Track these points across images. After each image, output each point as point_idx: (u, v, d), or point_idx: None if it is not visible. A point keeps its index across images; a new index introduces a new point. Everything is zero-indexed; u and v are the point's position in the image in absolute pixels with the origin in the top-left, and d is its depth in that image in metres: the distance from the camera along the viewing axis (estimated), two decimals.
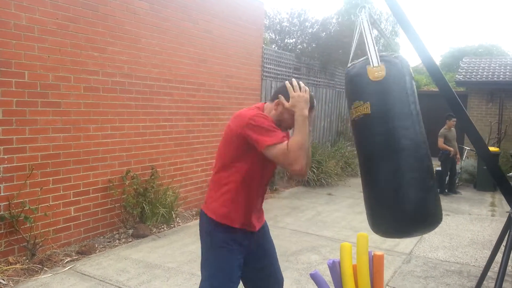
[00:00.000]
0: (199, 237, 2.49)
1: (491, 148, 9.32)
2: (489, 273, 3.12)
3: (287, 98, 2.20)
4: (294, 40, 11.93)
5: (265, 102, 2.42)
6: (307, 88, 2.22)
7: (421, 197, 2.20)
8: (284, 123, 2.26)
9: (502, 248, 2.75)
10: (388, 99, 2.17)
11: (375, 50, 2.19)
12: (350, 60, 2.40)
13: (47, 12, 4.43)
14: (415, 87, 2.29)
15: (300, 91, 2.18)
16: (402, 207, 2.21)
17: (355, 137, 2.35)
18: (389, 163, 2.20)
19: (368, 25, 2.30)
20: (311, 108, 2.22)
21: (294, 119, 2.16)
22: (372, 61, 2.18)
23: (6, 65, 4.11)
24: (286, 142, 2.09)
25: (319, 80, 10.77)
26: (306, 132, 2.11)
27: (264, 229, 2.53)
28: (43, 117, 4.47)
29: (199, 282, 2.40)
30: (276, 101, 2.26)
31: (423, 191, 2.21)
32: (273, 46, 11.30)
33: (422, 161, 2.21)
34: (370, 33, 2.29)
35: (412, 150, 2.19)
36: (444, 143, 8.71)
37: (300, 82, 2.25)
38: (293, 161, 2.06)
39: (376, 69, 2.16)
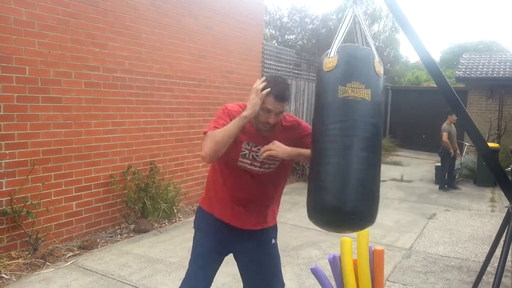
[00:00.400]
0: None
1: (491, 144, 9.33)
2: (488, 268, 3.14)
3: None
4: (294, 36, 11.93)
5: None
6: (258, 88, 2.23)
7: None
8: (259, 117, 2.23)
9: (502, 243, 2.77)
10: (379, 95, 2.15)
11: (337, 44, 2.12)
12: (339, 42, 2.27)
13: (48, 8, 4.43)
14: None
15: (253, 94, 2.22)
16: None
17: (342, 117, 2.06)
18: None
19: (363, 19, 2.27)
20: (276, 98, 2.20)
21: (267, 115, 2.20)
22: (376, 56, 2.15)
23: (7, 61, 4.12)
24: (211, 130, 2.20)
25: None
26: (230, 129, 2.14)
27: (262, 243, 2.50)
28: (44, 112, 4.48)
29: None
30: None
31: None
32: (273, 42, 11.30)
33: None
34: (368, 29, 2.28)
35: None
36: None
37: (259, 82, 2.26)
38: (202, 146, 2.20)
39: (379, 65, 2.15)
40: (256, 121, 2.27)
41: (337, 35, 2.20)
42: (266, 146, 2.20)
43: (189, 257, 2.60)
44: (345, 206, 1.97)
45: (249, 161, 2.30)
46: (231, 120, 2.22)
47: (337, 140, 1.98)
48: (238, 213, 2.40)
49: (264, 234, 2.51)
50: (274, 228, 2.60)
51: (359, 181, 1.97)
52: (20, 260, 4.10)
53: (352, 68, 2.09)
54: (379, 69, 2.12)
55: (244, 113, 2.17)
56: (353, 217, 2.03)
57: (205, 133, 2.23)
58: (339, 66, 2.07)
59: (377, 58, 2.12)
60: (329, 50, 2.11)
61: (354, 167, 1.96)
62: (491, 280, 3.83)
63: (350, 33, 2.26)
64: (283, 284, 2.58)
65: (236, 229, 2.42)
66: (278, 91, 2.20)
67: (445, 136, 8.69)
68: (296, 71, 9.66)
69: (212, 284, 2.50)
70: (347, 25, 2.22)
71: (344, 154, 1.96)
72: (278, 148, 2.19)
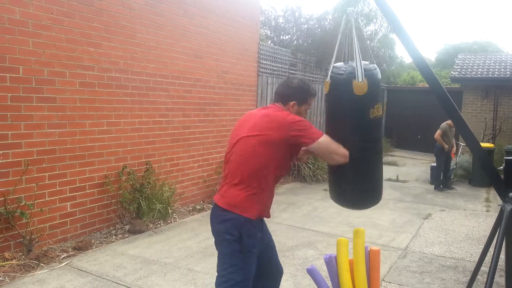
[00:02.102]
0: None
1: (486, 144, 9.37)
2: (482, 268, 3.14)
3: (302, 99, 2.57)
4: (289, 36, 11.94)
5: (274, 104, 2.64)
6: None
7: None
8: (303, 113, 2.63)
9: (495, 242, 2.77)
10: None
11: (361, 66, 2.46)
12: (336, 58, 2.65)
13: (42, 7, 4.40)
14: None
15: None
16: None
17: (373, 134, 2.56)
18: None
19: (354, 34, 2.46)
20: (315, 97, 2.69)
21: (307, 111, 2.66)
22: (357, 77, 2.43)
23: (0, 60, 4.08)
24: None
25: (315, 76, 10.77)
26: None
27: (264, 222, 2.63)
28: (39, 112, 4.44)
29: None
30: (291, 103, 2.56)
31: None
32: (269, 42, 11.29)
33: None
34: (357, 45, 2.44)
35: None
36: (442, 138, 8.72)
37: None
38: (338, 150, 2.46)
39: (361, 85, 2.42)
40: None
41: (355, 54, 2.48)
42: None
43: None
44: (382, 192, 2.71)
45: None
46: None
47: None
48: (269, 206, 2.59)
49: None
50: None
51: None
52: (13, 261, 4.07)
53: (377, 91, 2.53)
54: (359, 89, 2.44)
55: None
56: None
57: (324, 136, 2.44)
58: (369, 90, 2.44)
59: (358, 79, 2.43)
60: (356, 73, 2.44)
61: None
62: (485, 279, 3.84)
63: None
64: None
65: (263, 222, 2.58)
66: (314, 91, 2.68)
67: (437, 133, 8.71)
68: (292, 71, 9.66)
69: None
70: (357, 41, 2.45)
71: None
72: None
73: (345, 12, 2.47)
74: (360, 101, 2.42)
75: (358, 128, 2.47)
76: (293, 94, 2.57)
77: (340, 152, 2.42)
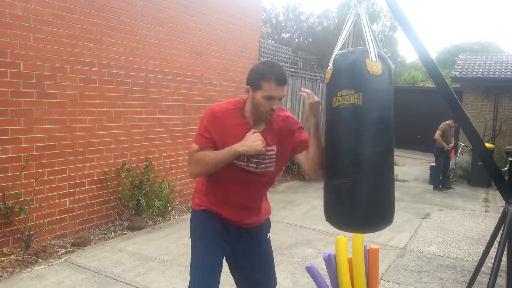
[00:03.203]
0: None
1: (486, 145, 9.35)
2: (482, 268, 3.15)
3: (254, 83, 2.14)
4: (289, 34, 11.93)
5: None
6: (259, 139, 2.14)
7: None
8: (261, 107, 2.15)
9: (496, 244, 2.77)
10: (381, 95, 2.11)
11: (374, 44, 2.16)
12: (338, 47, 2.30)
13: (43, 2, 4.39)
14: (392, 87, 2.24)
15: (258, 137, 2.13)
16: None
17: (338, 124, 2.13)
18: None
19: (366, 18, 2.27)
20: (277, 83, 2.14)
21: (270, 102, 2.13)
22: (371, 55, 2.14)
23: (1, 55, 4.07)
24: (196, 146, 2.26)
25: (315, 74, 10.75)
26: (220, 160, 2.17)
27: (258, 239, 2.51)
28: (39, 108, 4.44)
29: None
30: (246, 88, 2.22)
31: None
32: (270, 40, 11.28)
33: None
34: (369, 26, 2.26)
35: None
36: (442, 138, 8.73)
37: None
38: (189, 163, 2.32)
39: (375, 64, 2.13)
40: (257, 112, 2.18)
41: (338, 40, 2.20)
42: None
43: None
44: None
45: (244, 163, 2.25)
46: (213, 130, 2.23)
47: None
48: (235, 212, 2.36)
49: (259, 229, 2.50)
50: (268, 221, 2.60)
51: None
52: (12, 257, 4.06)
53: (340, 77, 2.11)
54: (374, 68, 2.09)
55: (240, 149, 2.12)
56: None
57: (193, 144, 2.29)
58: (333, 76, 2.11)
59: (372, 57, 2.09)
60: (369, 52, 2.09)
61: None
62: (485, 279, 3.85)
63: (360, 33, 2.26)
64: (275, 282, 2.56)
65: (234, 226, 2.39)
66: (277, 75, 2.12)
67: (437, 134, 8.73)
68: (292, 70, 9.65)
69: None
70: (349, 28, 2.23)
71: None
72: (314, 106, 2.23)
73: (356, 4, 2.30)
74: (326, 88, 2.12)
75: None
76: (248, 77, 2.20)
77: (190, 165, 2.31)
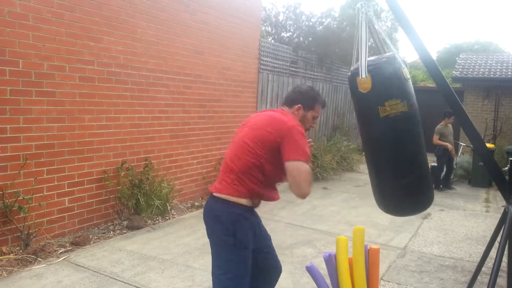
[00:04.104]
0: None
1: (487, 145, 9.33)
2: (483, 268, 3.13)
3: (308, 104, 2.53)
4: (289, 34, 11.91)
5: (282, 108, 2.60)
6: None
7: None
8: (307, 124, 2.56)
9: (496, 244, 2.76)
10: (414, 100, 2.43)
11: (365, 61, 2.22)
12: (364, 57, 2.36)
13: (42, 0, 4.37)
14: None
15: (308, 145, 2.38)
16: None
17: (391, 134, 2.40)
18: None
19: (366, 28, 2.28)
20: (323, 107, 2.65)
21: (313, 121, 2.58)
22: (401, 62, 2.24)
23: (0, 53, 4.06)
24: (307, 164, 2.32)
25: (316, 74, 10.74)
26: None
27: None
28: (38, 106, 4.42)
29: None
30: (296, 106, 2.53)
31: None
32: (270, 39, 11.26)
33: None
34: (366, 40, 2.28)
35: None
36: (440, 139, 8.73)
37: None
38: (302, 182, 2.29)
39: (406, 70, 2.23)
40: (300, 122, 2.51)
41: (361, 49, 2.25)
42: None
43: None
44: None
45: None
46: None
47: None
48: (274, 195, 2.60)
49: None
50: None
51: None
52: (11, 256, 4.05)
53: (386, 87, 2.32)
54: (406, 74, 2.24)
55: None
56: None
57: (306, 162, 2.30)
58: (374, 87, 2.30)
59: (402, 64, 2.20)
60: (359, 69, 2.30)
61: None
62: (485, 280, 3.83)
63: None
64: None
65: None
66: (324, 101, 2.65)
67: (435, 138, 8.73)
68: (292, 69, 9.63)
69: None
70: (366, 34, 2.28)
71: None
72: None
73: (360, 7, 2.32)
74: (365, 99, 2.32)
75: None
76: (300, 98, 2.55)
77: (305, 187, 2.27)
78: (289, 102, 2.58)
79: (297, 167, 2.24)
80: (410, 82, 2.33)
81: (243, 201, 2.35)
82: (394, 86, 2.30)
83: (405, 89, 2.31)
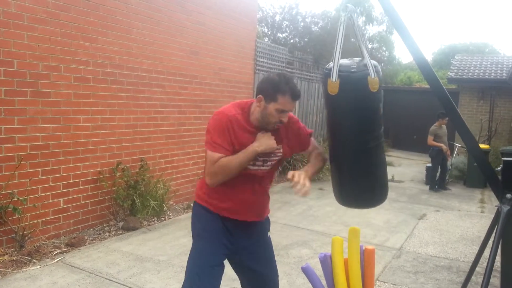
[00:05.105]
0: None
1: (482, 146, 9.38)
2: (477, 268, 3.14)
3: (269, 94, 2.18)
4: (286, 34, 11.93)
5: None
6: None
7: None
8: (271, 118, 2.22)
9: (490, 244, 2.77)
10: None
11: (337, 63, 2.17)
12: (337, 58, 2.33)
13: (38, 0, 4.36)
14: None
15: (270, 136, 2.23)
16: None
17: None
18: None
19: (343, 32, 2.25)
20: (293, 98, 2.21)
21: (280, 114, 2.21)
22: (332, 76, 2.16)
23: None
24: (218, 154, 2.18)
25: (312, 74, 10.75)
26: (242, 163, 2.18)
27: (260, 236, 2.55)
28: (32, 107, 4.40)
29: None
30: (258, 97, 2.23)
31: None
32: (266, 40, 11.27)
33: None
34: (341, 40, 2.23)
35: None
36: (435, 140, 8.77)
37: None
38: (209, 171, 2.23)
39: (334, 84, 2.16)
40: (265, 121, 2.24)
41: (335, 51, 2.21)
42: (299, 187, 2.19)
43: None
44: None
45: (252, 161, 2.28)
46: (230, 135, 2.22)
47: None
48: (238, 209, 2.37)
49: (260, 227, 2.52)
50: (268, 219, 2.62)
51: None
52: (5, 257, 4.02)
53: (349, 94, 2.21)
54: (374, 85, 2.14)
55: (259, 149, 2.19)
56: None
57: (208, 151, 2.24)
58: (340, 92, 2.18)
59: (372, 75, 2.12)
60: (331, 71, 2.16)
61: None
62: (480, 280, 3.84)
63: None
64: (277, 274, 2.63)
65: (234, 224, 2.39)
66: (293, 90, 2.18)
67: (429, 139, 8.78)
68: (288, 69, 9.64)
69: None
70: (342, 37, 2.23)
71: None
72: (307, 181, 2.23)
73: (344, 9, 2.32)
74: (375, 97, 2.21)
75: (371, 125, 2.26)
76: (262, 87, 2.22)
77: (210, 173, 2.22)
78: (256, 92, 2.27)
79: (207, 157, 2.24)
80: (378, 92, 2.22)
81: None
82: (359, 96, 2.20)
83: (369, 100, 2.20)
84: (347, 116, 2.23)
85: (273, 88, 2.16)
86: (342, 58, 2.26)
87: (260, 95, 2.21)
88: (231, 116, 2.27)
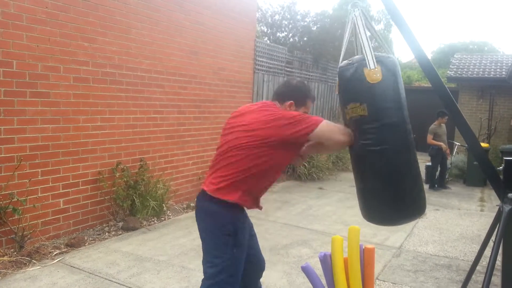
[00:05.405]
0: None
1: (481, 144, 9.37)
2: (477, 267, 3.14)
3: (300, 99, 2.50)
4: (285, 34, 11.92)
5: (271, 101, 2.57)
6: None
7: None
8: None
9: (491, 243, 2.77)
10: (383, 100, 2.21)
11: (371, 52, 2.18)
12: (342, 56, 2.39)
13: (36, 1, 4.35)
14: (402, 84, 2.30)
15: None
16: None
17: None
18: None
19: (363, 24, 2.27)
20: (313, 101, 2.62)
21: None
22: (368, 63, 2.16)
23: None
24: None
25: (311, 74, 10.75)
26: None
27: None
28: (32, 107, 4.40)
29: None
30: (288, 103, 2.49)
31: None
32: (265, 39, 11.27)
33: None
34: (365, 33, 2.25)
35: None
36: (434, 139, 8.77)
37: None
38: (341, 131, 2.37)
39: (373, 71, 2.15)
40: None
41: (363, 43, 2.25)
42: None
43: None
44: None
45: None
46: None
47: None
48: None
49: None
50: None
51: None
52: (5, 258, 4.02)
53: (346, 91, 2.31)
54: (372, 76, 2.13)
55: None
56: None
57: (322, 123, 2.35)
58: (340, 91, 2.34)
59: (369, 65, 2.12)
60: (367, 59, 2.22)
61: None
62: (479, 278, 3.85)
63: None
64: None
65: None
66: (314, 96, 2.64)
67: (429, 138, 8.79)
68: (288, 69, 9.63)
69: None
70: (348, 33, 2.28)
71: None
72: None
73: (350, 5, 2.32)
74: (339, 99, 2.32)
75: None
76: (292, 94, 2.51)
77: (344, 132, 2.33)
78: (280, 97, 2.54)
79: (327, 127, 2.46)
80: (376, 85, 2.19)
81: None
82: (356, 89, 2.23)
83: (364, 93, 2.19)
84: (400, 101, 2.23)
85: (304, 95, 2.54)
86: (342, 58, 2.29)
87: (291, 101, 2.49)
88: None
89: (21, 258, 4.09)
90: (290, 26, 11.76)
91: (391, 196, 2.32)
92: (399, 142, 2.27)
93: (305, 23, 11.52)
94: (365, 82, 2.18)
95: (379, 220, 2.51)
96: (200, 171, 6.93)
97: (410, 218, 2.47)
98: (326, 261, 2.36)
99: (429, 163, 9.29)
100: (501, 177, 2.74)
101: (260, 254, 2.71)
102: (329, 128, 2.32)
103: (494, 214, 2.88)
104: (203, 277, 2.51)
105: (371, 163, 2.29)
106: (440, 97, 2.58)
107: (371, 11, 15.06)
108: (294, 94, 2.50)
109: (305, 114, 2.39)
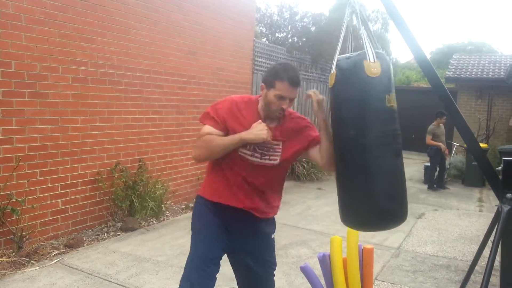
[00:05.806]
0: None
1: (480, 145, 9.38)
2: (476, 267, 3.14)
3: (269, 81, 2.25)
4: (284, 34, 11.91)
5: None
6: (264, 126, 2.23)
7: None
8: (272, 106, 2.25)
9: (490, 243, 2.77)
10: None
11: (371, 46, 2.16)
12: (338, 50, 2.30)
13: (35, 1, 4.35)
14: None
15: (263, 126, 2.22)
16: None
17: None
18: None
19: (365, 19, 2.26)
20: (290, 83, 2.22)
21: (281, 101, 2.23)
22: (368, 57, 2.13)
23: None
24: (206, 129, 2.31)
25: (310, 74, 10.75)
26: (226, 145, 2.23)
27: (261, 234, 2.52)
28: (31, 108, 4.39)
29: None
30: (261, 86, 2.33)
31: None
32: (264, 40, 11.27)
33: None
34: (367, 26, 2.24)
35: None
36: (433, 139, 8.78)
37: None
38: (195, 146, 2.35)
39: (373, 65, 2.12)
40: (268, 109, 2.28)
41: (338, 43, 2.22)
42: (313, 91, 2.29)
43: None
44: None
45: (249, 152, 2.29)
46: (228, 115, 2.30)
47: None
48: (235, 194, 2.35)
49: (261, 225, 2.47)
50: (273, 221, 2.61)
51: None
52: (4, 258, 4.02)
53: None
54: (372, 69, 2.09)
55: (246, 137, 2.21)
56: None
57: (201, 121, 2.39)
58: (336, 82, 2.16)
59: (369, 59, 2.09)
60: (367, 53, 2.12)
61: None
62: (478, 279, 3.85)
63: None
64: (275, 264, 2.60)
65: (234, 220, 2.39)
66: (291, 76, 2.21)
67: (428, 138, 8.80)
68: None
69: None
70: (344, 30, 2.25)
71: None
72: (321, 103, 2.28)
73: (348, 3, 2.31)
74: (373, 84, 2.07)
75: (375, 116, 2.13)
76: (264, 76, 2.32)
77: (196, 148, 2.34)
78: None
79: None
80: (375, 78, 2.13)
81: None
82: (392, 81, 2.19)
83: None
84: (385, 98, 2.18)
85: (272, 75, 2.24)
86: (340, 57, 2.25)
87: (262, 84, 2.30)
88: (238, 100, 2.37)
89: (20, 259, 4.08)
90: (289, 26, 11.76)
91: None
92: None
93: (304, 23, 11.52)
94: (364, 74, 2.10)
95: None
96: (199, 171, 6.92)
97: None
98: (325, 262, 2.36)
99: (428, 164, 9.30)
100: (500, 177, 2.74)
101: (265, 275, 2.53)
102: (197, 136, 2.37)
103: (492, 215, 2.88)
104: None
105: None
106: (439, 97, 2.59)
107: (367, 11, 15.08)
108: (264, 76, 2.31)
109: (208, 112, 2.36)
